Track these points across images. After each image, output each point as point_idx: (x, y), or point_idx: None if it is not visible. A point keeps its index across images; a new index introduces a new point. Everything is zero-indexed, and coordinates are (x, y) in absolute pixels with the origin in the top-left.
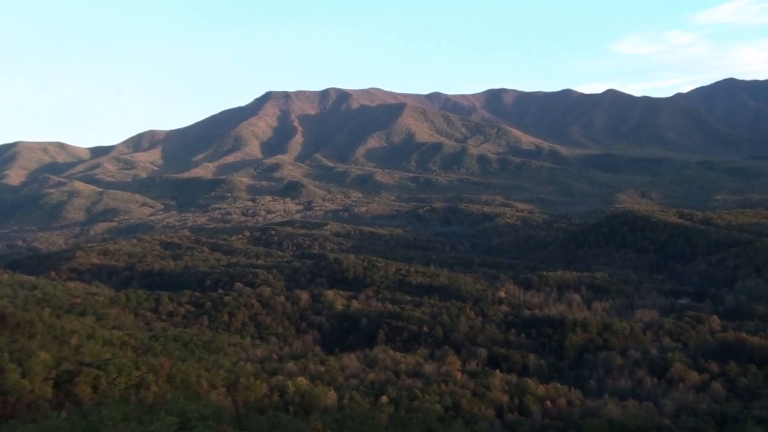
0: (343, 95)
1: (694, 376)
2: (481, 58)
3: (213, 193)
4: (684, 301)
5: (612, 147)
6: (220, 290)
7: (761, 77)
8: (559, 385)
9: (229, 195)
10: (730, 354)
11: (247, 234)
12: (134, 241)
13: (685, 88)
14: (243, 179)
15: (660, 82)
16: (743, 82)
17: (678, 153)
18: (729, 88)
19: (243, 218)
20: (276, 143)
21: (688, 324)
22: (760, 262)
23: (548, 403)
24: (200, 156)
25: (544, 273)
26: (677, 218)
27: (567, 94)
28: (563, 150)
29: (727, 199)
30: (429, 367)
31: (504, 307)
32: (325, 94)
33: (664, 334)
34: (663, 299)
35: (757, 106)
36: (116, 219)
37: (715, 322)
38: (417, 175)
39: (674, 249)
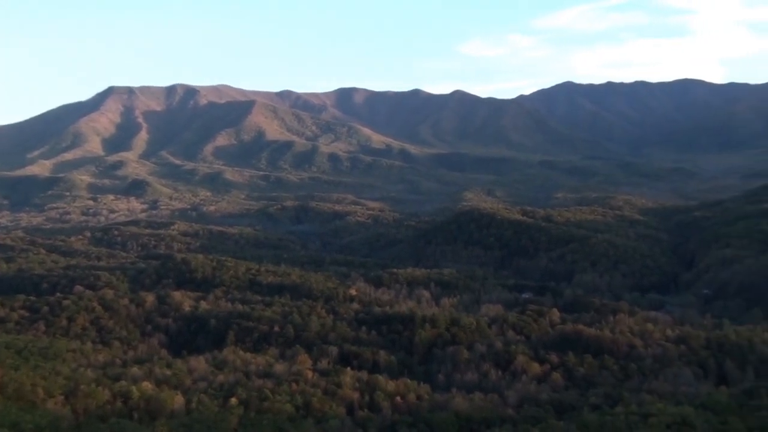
0: (190, 91)
1: (535, 368)
2: (332, 57)
3: (50, 192)
4: (527, 296)
5: (459, 146)
6: (59, 294)
7: (596, 81)
8: (408, 381)
9: (68, 194)
10: (569, 345)
11: (88, 234)
12: None
13: (527, 91)
14: (83, 177)
15: (504, 84)
16: (580, 85)
17: (521, 153)
18: (567, 91)
19: (83, 218)
20: (119, 140)
21: (531, 317)
22: (596, 257)
23: (398, 398)
24: (35, 153)
25: (395, 270)
26: (521, 216)
27: (416, 94)
28: (413, 149)
29: (566, 197)
30: (280, 367)
31: (355, 305)
32: (171, 90)
33: (509, 327)
34: (507, 294)
35: (592, 108)
36: None
37: (555, 315)
38: (268, 173)
39: (518, 245)
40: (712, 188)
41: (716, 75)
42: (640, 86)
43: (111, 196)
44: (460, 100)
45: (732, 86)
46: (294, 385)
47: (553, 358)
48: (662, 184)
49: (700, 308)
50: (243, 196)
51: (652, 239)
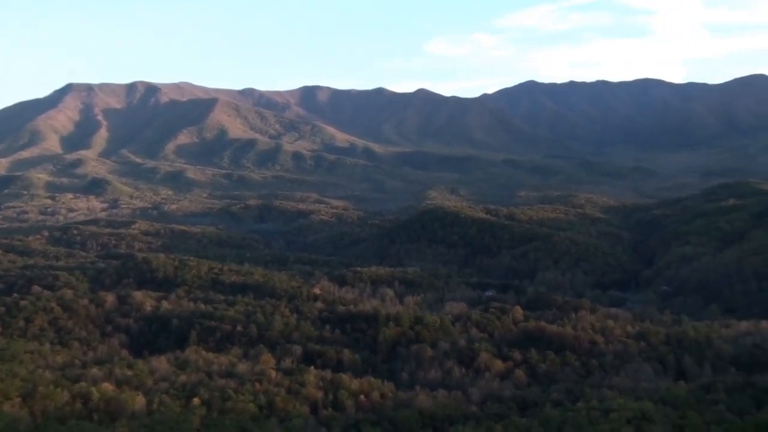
0: (151, 89)
1: (498, 365)
2: (296, 55)
3: (7, 191)
4: (490, 294)
5: (423, 145)
6: (16, 294)
7: (559, 81)
8: (372, 379)
9: (26, 192)
10: (532, 342)
11: (46, 234)
12: None
13: (491, 90)
14: (41, 176)
15: (468, 82)
16: (542, 84)
17: (484, 151)
18: (530, 90)
19: (41, 217)
20: (78, 138)
21: (494, 315)
22: (558, 255)
23: (362, 397)
24: None
25: (359, 269)
26: (484, 214)
27: (380, 92)
28: (377, 147)
29: (528, 196)
30: (243, 367)
31: (319, 304)
32: (131, 87)
33: (472, 325)
34: (471, 292)
35: (554, 107)
36: None
37: (518, 312)
38: (230, 171)
39: (481, 243)
40: (671, 186)
41: (677, 75)
42: (602, 86)
43: (70, 195)
44: (424, 98)
45: (691, 86)
46: (257, 385)
47: (516, 355)
48: (623, 183)
49: (660, 305)
50: (205, 195)
51: (613, 237)
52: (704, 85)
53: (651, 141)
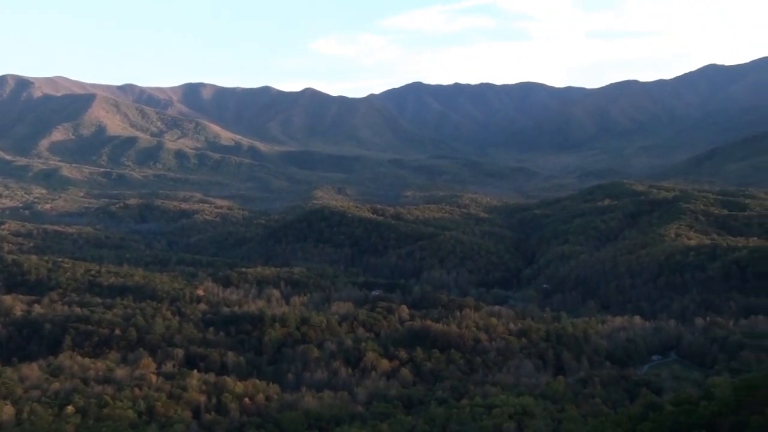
0: (23, 83)
1: (385, 364)
2: (178, 51)
3: None
4: (377, 293)
5: (310, 144)
6: None
7: (444, 82)
8: (257, 381)
9: None
10: (418, 340)
11: None
12: None
13: (378, 90)
14: None
15: (355, 82)
16: (429, 86)
17: (371, 151)
18: (416, 91)
19: None
20: None
21: (380, 314)
22: (443, 254)
23: (246, 400)
24: None
25: (244, 269)
26: (371, 214)
27: (266, 90)
28: (262, 146)
29: (415, 195)
30: (121, 372)
31: (202, 306)
32: (1, 80)
33: (359, 325)
34: (358, 291)
35: (440, 108)
36: None
37: (405, 311)
38: (109, 170)
39: (368, 243)
40: (551, 187)
41: (559, 79)
42: (486, 88)
43: None
44: (311, 97)
45: (570, 90)
46: (136, 390)
47: (402, 353)
48: (505, 183)
49: (541, 302)
50: (82, 194)
51: (496, 236)
52: (582, 89)
53: (532, 142)
